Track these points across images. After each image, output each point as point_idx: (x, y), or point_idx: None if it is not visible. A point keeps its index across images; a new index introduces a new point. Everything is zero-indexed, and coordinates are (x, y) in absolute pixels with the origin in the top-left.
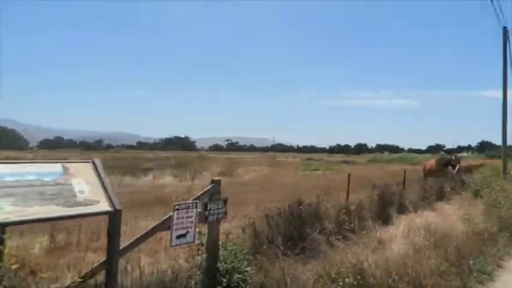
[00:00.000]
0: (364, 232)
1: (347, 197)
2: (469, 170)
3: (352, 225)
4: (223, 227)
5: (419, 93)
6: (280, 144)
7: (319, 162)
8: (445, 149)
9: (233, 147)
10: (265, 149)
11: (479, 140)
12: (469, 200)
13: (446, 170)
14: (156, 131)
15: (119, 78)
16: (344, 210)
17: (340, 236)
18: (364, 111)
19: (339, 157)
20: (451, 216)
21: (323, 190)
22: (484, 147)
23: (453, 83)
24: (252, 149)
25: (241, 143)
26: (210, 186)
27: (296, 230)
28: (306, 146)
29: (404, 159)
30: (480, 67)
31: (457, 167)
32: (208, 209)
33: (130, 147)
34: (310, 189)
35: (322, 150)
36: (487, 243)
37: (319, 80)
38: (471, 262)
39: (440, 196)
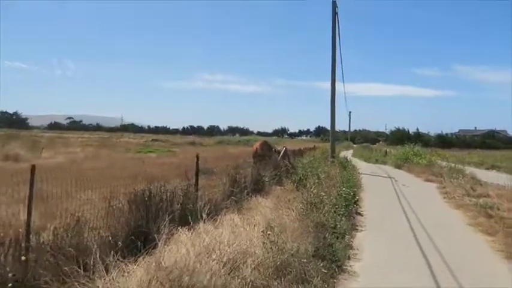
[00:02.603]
0: None
1: None
2: (301, 153)
3: None
4: None
5: (269, 80)
6: (133, 125)
7: (165, 143)
8: (288, 132)
9: (76, 126)
10: (113, 129)
11: (317, 125)
12: (290, 193)
13: (271, 154)
14: None
15: None
16: None
17: None
18: (218, 95)
19: (187, 138)
20: (256, 225)
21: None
22: (320, 131)
23: (297, 74)
24: (98, 128)
25: (86, 122)
26: None
27: None
28: (158, 127)
29: (251, 142)
30: (316, 62)
31: (283, 151)
32: None
33: None
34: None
35: (175, 131)
36: None
37: (173, 59)
38: None
39: (258, 188)
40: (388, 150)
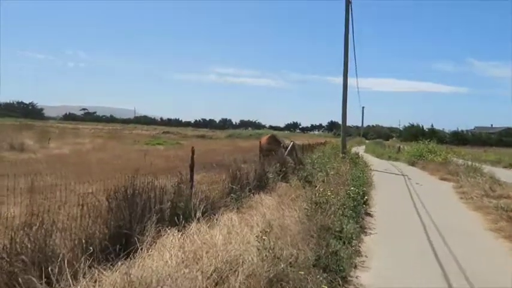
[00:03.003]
0: None
1: None
2: (311, 148)
3: None
4: None
5: (282, 74)
6: (146, 117)
7: (175, 136)
8: (300, 126)
9: (90, 117)
10: (126, 121)
11: (329, 120)
12: (295, 190)
13: (279, 148)
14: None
15: None
16: None
17: None
18: (230, 88)
19: (198, 131)
20: (254, 226)
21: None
22: (332, 126)
23: (310, 68)
24: (111, 119)
25: (100, 113)
26: None
27: None
28: (171, 119)
29: (262, 136)
30: (330, 57)
31: (290, 146)
32: None
33: None
34: (114, 170)
35: (187, 124)
36: None
37: (186, 52)
38: None
39: (262, 185)
40: (401, 146)
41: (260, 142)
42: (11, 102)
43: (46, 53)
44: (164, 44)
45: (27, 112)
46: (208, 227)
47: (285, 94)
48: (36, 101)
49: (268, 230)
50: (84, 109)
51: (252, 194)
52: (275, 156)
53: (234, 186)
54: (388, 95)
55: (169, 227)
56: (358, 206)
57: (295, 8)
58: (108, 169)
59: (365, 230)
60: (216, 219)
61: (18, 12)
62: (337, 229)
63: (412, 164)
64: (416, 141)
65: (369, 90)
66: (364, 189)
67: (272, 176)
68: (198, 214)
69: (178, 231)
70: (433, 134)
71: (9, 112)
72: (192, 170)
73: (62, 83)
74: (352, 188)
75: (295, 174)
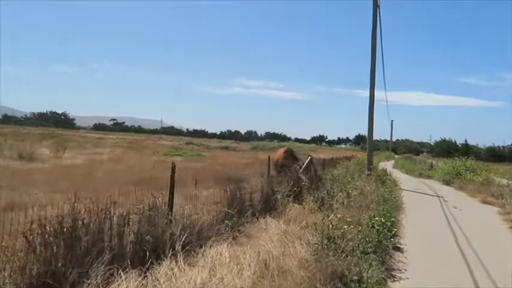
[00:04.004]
0: None
1: None
2: (334, 162)
3: None
4: None
5: (308, 86)
6: (172, 127)
7: (198, 147)
8: (327, 140)
9: (119, 127)
10: (153, 131)
11: (356, 134)
12: (308, 215)
13: (295, 164)
14: (35, 105)
15: None
16: None
17: None
18: (255, 100)
19: (222, 143)
20: (247, 267)
21: None
22: (360, 140)
23: (335, 81)
24: (139, 130)
25: (128, 124)
26: None
27: None
28: (197, 130)
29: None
30: (357, 70)
31: (307, 161)
32: None
33: None
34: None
35: (213, 135)
36: None
37: (212, 64)
38: None
39: (269, 207)
40: (434, 162)
41: (275, 157)
42: (45, 112)
43: (79, 66)
44: (191, 57)
45: (59, 122)
46: (188, 265)
47: (310, 107)
48: (69, 111)
49: (267, 272)
50: (113, 119)
51: (256, 218)
52: (288, 173)
53: (230, 211)
54: (418, 108)
55: (127, 269)
56: (385, 240)
57: (320, 20)
58: (110, 181)
59: (393, 273)
60: (202, 254)
61: (54, 27)
62: (356, 276)
63: (447, 183)
64: (449, 157)
65: (398, 104)
66: (393, 218)
67: (281, 196)
68: (178, 247)
69: (140, 274)
70: (467, 150)
71: (42, 122)
72: (171, 192)
73: (94, 94)
74: (376, 218)
75: (311, 194)
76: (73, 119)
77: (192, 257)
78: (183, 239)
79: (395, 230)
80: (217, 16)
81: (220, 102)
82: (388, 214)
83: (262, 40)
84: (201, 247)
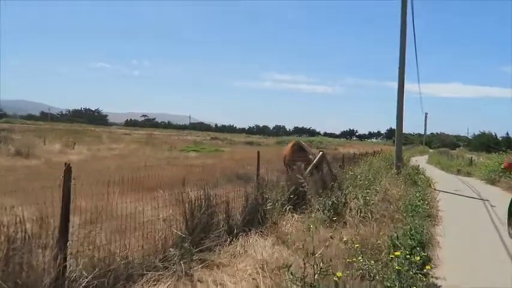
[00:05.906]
0: None
1: None
2: (358, 158)
3: None
4: None
5: (339, 79)
6: (201, 123)
7: (222, 142)
8: (357, 134)
9: (149, 123)
10: (182, 127)
11: (388, 128)
12: (308, 230)
13: (304, 159)
14: (69, 102)
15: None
16: None
17: None
18: (285, 95)
19: (247, 138)
20: None
21: None
22: (392, 134)
23: (366, 74)
24: (168, 126)
25: (159, 120)
26: None
27: None
28: (225, 126)
29: (315, 143)
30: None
31: (317, 157)
32: None
33: (31, 117)
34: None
35: (241, 130)
36: None
37: (243, 59)
38: None
39: (255, 220)
40: (474, 157)
41: (284, 153)
42: (80, 109)
43: (113, 63)
44: (223, 52)
45: (93, 118)
46: None
47: (341, 100)
48: (102, 107)
49: None
50: (144, 115)
51: (234, 237)
52: (291, 172)
53: (182, 234)
54: (454, 100)
55: None
56: (412, 278)
57: (350, 11)
58: (95, 179)
59: None
60: None
61: (92, 26)
62: None
63: (493, 182)
64: (488, 151)
65: (432, 96)
66: (425, 236)
67: (271, 205)
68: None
69: None
70: (510, 143)
71: (76, 118)
72: (65, 216)
73: (128, 91)
74: (397, 253)
75: (324, 199)
76: (106, 115)
77: None
78: (83, 285)
79: (427, 267)
80: (250, 8)
81: (251, 97)
82: (417, 235)
83: (293, 34)
84: None
